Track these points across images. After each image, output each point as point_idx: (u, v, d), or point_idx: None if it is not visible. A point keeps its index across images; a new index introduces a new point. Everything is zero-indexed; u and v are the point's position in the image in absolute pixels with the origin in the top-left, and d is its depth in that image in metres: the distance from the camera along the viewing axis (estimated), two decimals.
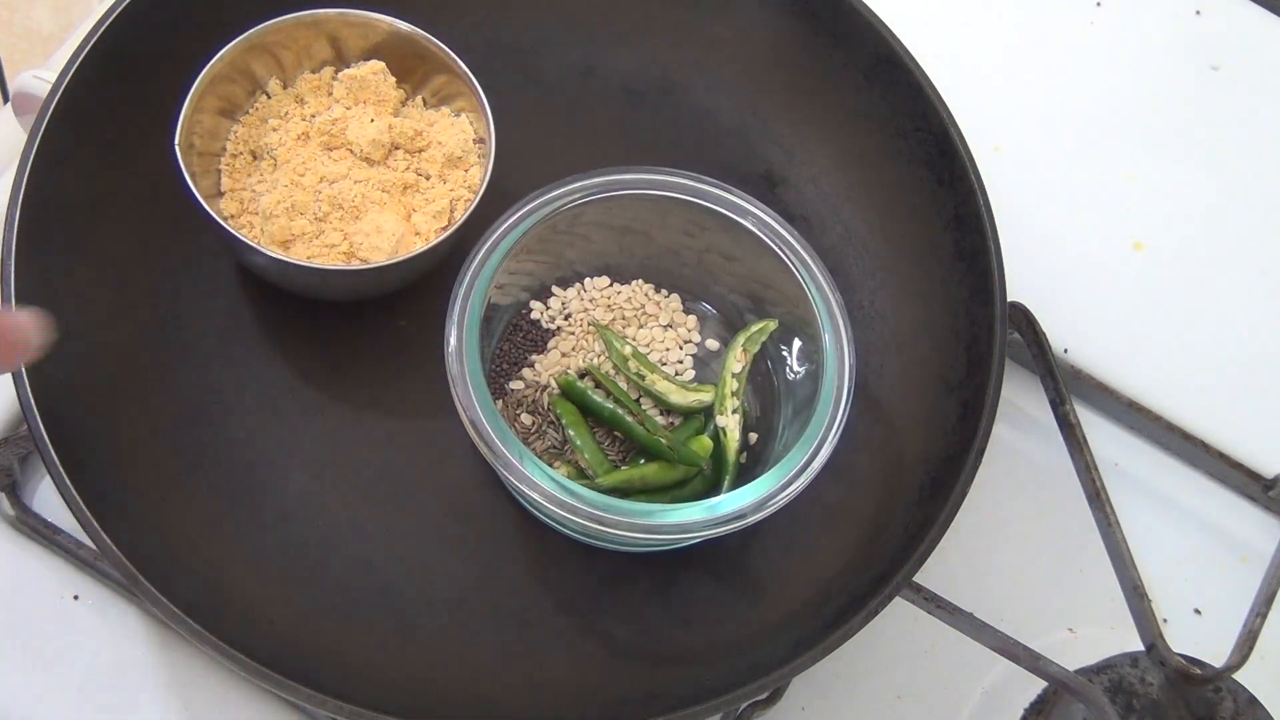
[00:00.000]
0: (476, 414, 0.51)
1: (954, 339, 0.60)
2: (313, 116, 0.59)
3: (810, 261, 0.55)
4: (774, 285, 0.57)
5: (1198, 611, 0.64)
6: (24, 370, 0.53)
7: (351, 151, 0.58)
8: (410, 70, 0.60)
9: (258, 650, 0.50)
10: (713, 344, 0.61)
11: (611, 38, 0.66)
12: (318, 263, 0.56)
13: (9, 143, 0.66)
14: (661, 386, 0.58)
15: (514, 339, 0.59)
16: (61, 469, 0.51)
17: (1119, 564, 0.59)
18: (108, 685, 0.56)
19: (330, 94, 0.60)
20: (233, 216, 0.58)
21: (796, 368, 0.58)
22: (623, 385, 0.58)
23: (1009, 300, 0.59)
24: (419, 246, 0.57)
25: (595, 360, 0.59)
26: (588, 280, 0.61)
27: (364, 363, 0.60)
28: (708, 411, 0.58)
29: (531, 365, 0.59)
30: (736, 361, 0.58)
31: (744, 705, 0.56)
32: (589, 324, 0.60)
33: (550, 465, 0.55)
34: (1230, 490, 0.67)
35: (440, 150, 0.59)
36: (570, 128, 0.65)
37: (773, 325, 0.58)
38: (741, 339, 0.58)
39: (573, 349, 0.59)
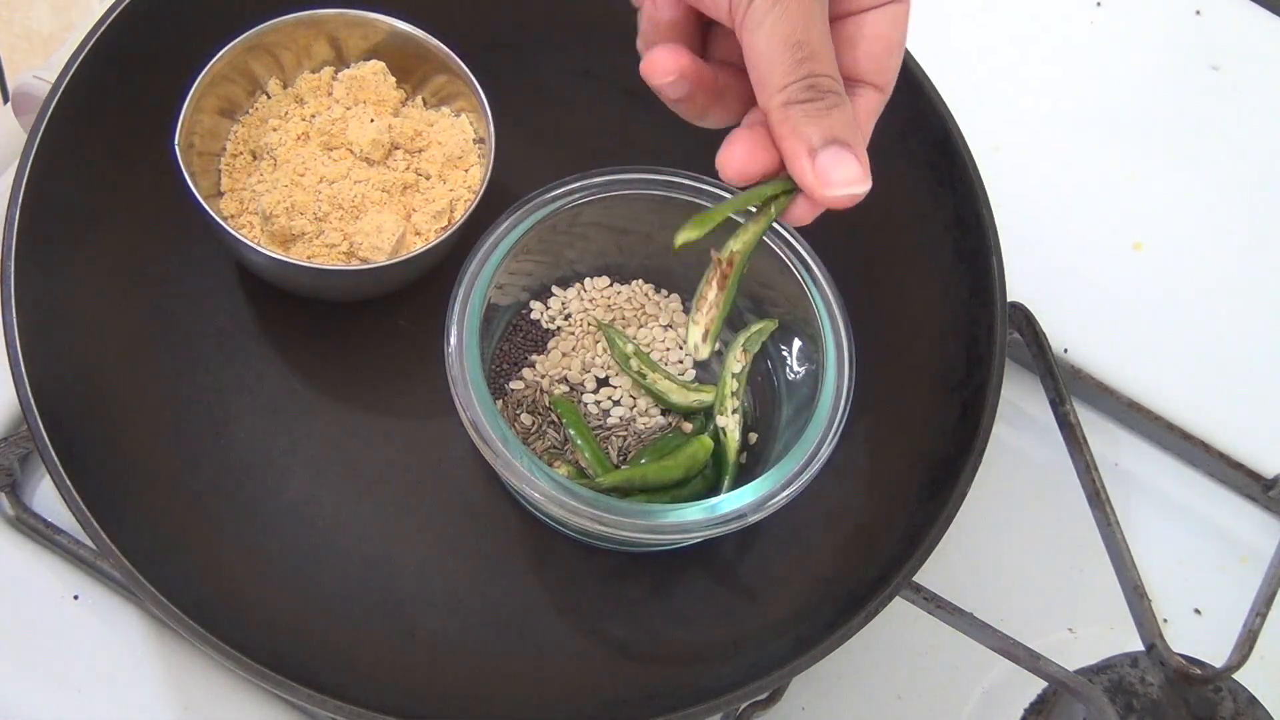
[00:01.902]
0: (476, 414, 0.51)
1: (954, 339, 0.60)
2: (313, 116, 0.59)
3: (810, 261, 0.55)
4: (774, 285, 0.57)
5: (1198, 611, 0.64)
6: (24, 370, 0.53)
7: (351, 151, 0.58)
8: (410, 70, 0.60)
9: (258, 650, 0.50)
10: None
11: (611, 38, 0.66)
12: (318, 263, 0.56)
13: (9, 143, 0.66)
14: (662, 386, 0.58)
15: (514, 339, 0.60)
16: (61, 469, 0.51)
17: (1119, 564, 0.59)
18: (108, 685, 0.56)
19: (330, 94, 0.60)
20: (233, 216, 0.58)
21: (796, 368, 0.58)
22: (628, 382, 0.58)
23: (1009, 300, 0.59)
24: (419, 246, 0.57)
25: (597, 359, 0.59)
26: (588, 280, 0.61)
27: (364, 363, 0.60)
28: (708, 411, 0.58)
29: (531, 365, 0.59)
30: (736, 361, 0.58)
31: (744, 705, 0.56)
32: (589, 324, 0.60)
33: (550, 465, 0.55)
34: (1230, 490, 0.67)
35: (440, 150, 0.59)
36: (570, 128, 0.65)
37: (773, 325, 0.58)
38: (741, 339, 0.58)
39: (573, 349, 0.59)
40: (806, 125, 0.42)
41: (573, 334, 0.60)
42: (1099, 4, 0.77)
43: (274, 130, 0.59)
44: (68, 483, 0.51)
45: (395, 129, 0.59)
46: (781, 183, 0.45)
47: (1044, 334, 0.63)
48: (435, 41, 0.59)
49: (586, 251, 0.59)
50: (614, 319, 0.60)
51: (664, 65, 0.45)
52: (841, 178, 0.42)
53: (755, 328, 0.58)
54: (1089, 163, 0.73)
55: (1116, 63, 0.76)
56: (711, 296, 0.50)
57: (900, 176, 0.63)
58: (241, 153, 0.59)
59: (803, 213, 0.46)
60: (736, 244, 0.49)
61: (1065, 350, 0.67)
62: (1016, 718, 0.61)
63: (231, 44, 0.57)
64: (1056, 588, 0.63)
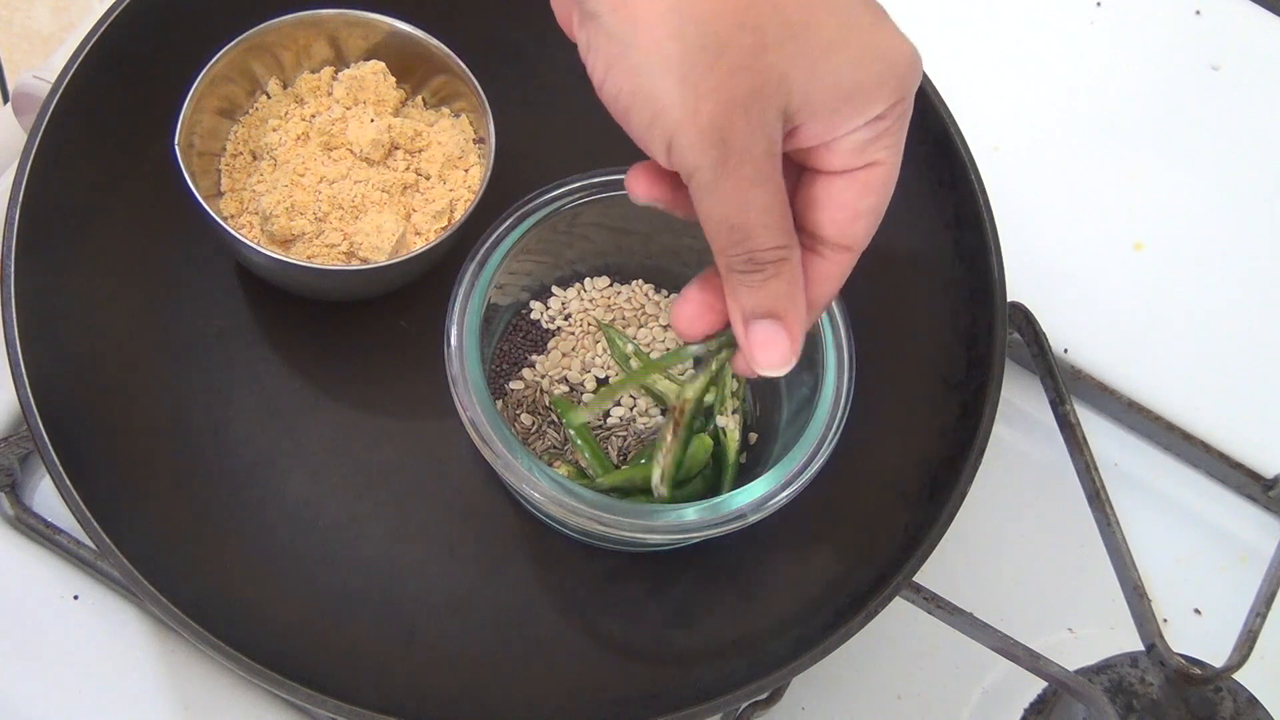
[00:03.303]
0: (476, 414, 0.51)
1: (954, 339, 0.60)
2: (312, 117, 0.59)
3: None
4: None
5: (1198, 611, 0.64)
6: (24, 370, 0.53)
7: (351, 151, 0.58)
8: (410, 70, 0.60)
9: (258, 650, 0.50)
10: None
11: None
12: (318, 263, 0.56)
13: (9, 143, 0.66)
14: (662, 386, 0.58)
15: (514, 339, 0.60)
16: (61, 469, 0.51)
17: (1119, 564, 0.59)
18: (108, 685, 0.56)
19: (330, 94, 0.60)
20: (233, 216, 0.58)
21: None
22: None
23: (1009, 300, 0.59)
24: (419, 246, 0.57)
25: (597, 359, 0.59)
26: (588, 280, 0.61)
27: (364, 363, 0.60)
28: (708, 411, 0.58)
29: (531, 365, 0.59)
30: None
31: (744, 705, 0.56)
32: (589, 324, 0.60)
33: (550, 465, 0.55)
34: (1230, 490, 0.67)
35: (440, 150, 0.59)
36: (570, 128, 0.65)
37: None
38: None
39: (573, 349, 0.59)
40: (744, 295, 0.43)
41: (573, 334, 0.60)
42: (1099, 4, 0.77)
43: (274, 130, 0.59)
44: (68, 483, 0.51)
45: (395, 129, 0.59)
46: (729, 337, 0.47)
47: (1044, 334, 0.63)
48: (435, 41, 0.59)
49: (586, 251, 0.59)
50: (614, 319, 0.60)
51: (637, 191, 0.45)
52: (767, 357, 0.44)
53: None
54: (1089, 163, 0.73)
55: (1116, 63, 0.76)
56: (669, 440, 0.52)
57: (900, 176, 0.63)
58: (241, 153, 0.59)
59: (745, 367, 0.46)
60: (689, 391, 0.51)
61: (1065, 350, 0.67)
62: (1016, 718, 0.61)
63: (231, 44, 0.57)
64: (1056, 588, 0.63)
